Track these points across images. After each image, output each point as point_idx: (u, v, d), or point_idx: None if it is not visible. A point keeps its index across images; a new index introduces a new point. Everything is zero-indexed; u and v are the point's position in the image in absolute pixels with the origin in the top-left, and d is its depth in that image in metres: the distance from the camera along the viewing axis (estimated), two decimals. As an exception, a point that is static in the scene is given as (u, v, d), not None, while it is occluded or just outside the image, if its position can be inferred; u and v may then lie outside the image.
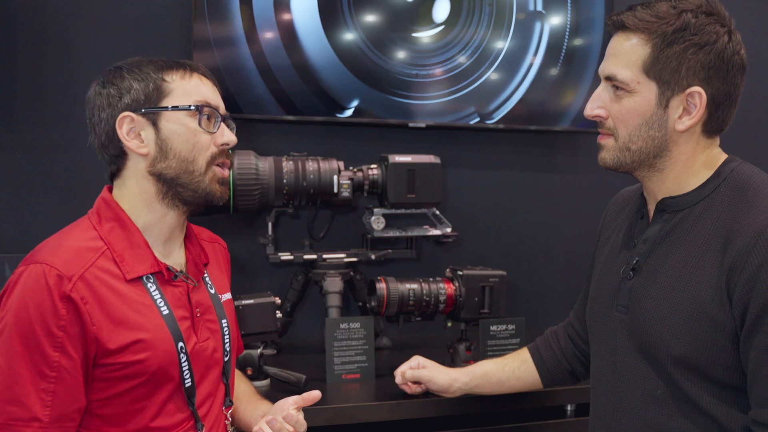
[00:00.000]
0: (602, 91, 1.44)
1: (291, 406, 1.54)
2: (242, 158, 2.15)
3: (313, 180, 2.21)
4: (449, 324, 2.19)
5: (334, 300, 2.25)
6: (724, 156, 1.44)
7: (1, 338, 1.25)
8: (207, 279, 1.55)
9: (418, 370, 1.89)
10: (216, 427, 1.49)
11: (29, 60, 2.29)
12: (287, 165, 2.20)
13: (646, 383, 1.41)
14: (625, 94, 1.39)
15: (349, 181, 2.26)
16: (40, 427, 1.25)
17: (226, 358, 1.53)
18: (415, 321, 2.17)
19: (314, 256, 2.31)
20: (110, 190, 1.46)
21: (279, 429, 1.44)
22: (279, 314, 2.02)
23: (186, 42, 2.33)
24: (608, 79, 1.42)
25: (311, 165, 2.22)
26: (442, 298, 2.13)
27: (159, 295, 1.39)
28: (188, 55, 2.28)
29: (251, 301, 1.99)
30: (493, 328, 2.10)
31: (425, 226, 2.40)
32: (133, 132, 1.40)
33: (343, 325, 2.07)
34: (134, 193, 1.43)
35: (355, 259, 2.34)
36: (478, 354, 2.11)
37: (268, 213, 2.28)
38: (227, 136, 1.47)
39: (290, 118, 2.41)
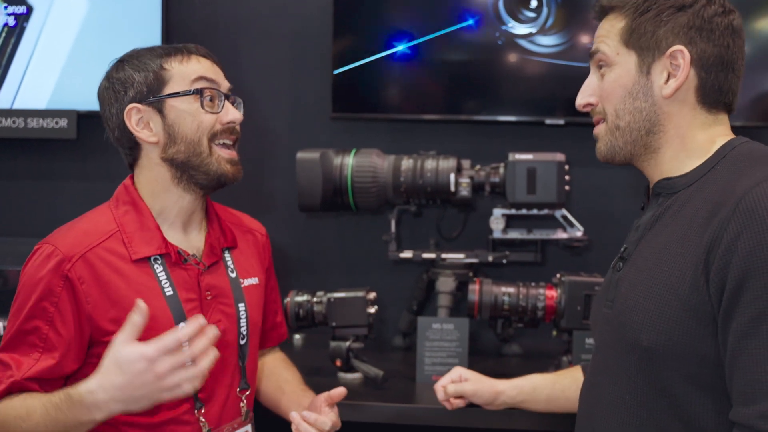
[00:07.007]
0: (590, 77, 1.35)
1: (322, 403, 1.57)
2: (362, 157, 2.23)
3: (430, 178, 2.20)
4: (554, 333, 2.03)
5: (444, 300, 2.22)
6: (731, 137, 1.27)
7: (12, 307, 1.45)
8: (229, 262, 1.59)
9: (461, 384, 1.74)
10: (226, 409, 1.54)
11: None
12: (406, 163, 2.22)
13: (617, 386, 1.25)
14: (608, 70, 1.31)
15: (468, 180, 2.21)
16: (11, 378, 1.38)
17: (242, 342, 1.58)
18: (516, 327, 2.06)
19: (433, 255, 2.30)
20: (133, 177, 1.57)
21: (305, 430, 1.50)
22: (373, 309, 2.04)
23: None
24: (593, 59, 1.33)
25: (430, 163, 2.21)
26: (540, 305, 1.99)
27: (165, 277, 1.48)
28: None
29: (342, 295, 2.05)
30: (589, 341, 1.90)
31: (559, 229, 2.25)
32: (141, 122, 1.49)
33: (436, 325, 2.04)
34: (150, 180, 1.52)
35: (475, 260, 2.28)
36: (578, 368, 1.93)
37: (391, 211, 2.32)
38: (232, 114, 1.52)
39: (432, 117, 2.46)
